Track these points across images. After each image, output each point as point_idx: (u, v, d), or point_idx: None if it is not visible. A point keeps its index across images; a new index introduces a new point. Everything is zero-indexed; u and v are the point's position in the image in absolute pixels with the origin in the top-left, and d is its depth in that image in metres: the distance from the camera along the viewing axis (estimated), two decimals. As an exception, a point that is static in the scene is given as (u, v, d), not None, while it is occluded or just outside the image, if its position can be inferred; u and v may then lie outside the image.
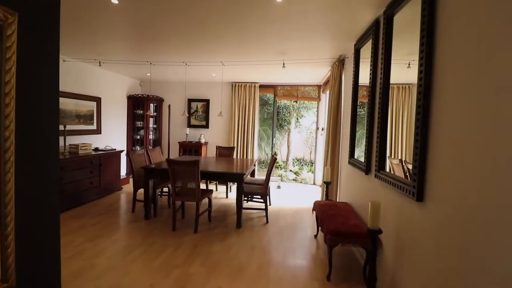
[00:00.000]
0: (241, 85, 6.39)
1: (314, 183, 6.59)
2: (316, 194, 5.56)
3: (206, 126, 6.68)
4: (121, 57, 4.34)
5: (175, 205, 3.45)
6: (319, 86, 6.39)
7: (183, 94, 6.76)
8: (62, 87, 4.34)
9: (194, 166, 3.26)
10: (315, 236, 3.37)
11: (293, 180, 7.70)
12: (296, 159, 9.62)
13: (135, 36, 3.40)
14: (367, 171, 2.55)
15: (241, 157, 6.43)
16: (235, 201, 3.66)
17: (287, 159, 9.13)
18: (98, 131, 5.31)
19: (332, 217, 2.60)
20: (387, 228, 1.94)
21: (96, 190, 4.61)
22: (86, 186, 4.38)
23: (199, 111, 6.72)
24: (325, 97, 6.25)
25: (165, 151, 6.69)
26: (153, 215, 3.90)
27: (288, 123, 9.34)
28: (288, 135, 9.33)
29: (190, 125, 6.73)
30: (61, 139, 4.30)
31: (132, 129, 6.41)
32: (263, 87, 6.49)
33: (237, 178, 3.59)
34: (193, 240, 3.17)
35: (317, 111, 6.57)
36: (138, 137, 6.45)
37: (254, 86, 6.35)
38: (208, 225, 3.68)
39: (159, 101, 6.68)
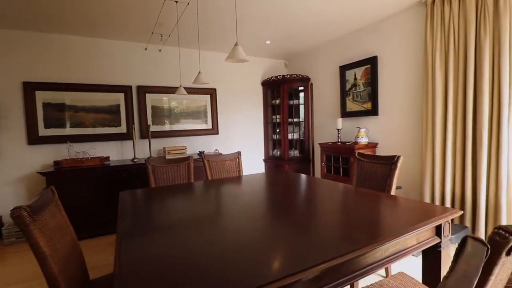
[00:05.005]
0: (451, -6, 2.44)
1: None
2: None
3: (373, 111, 3.37)
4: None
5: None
6: None
7: (331, 61, 3.99)
8: (159, 82, 3.70)
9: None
10: None
11: None
12: None
13: None
14: None
15: (452, 190, 2.49)
16: None
17: None
18: (214, 130, 4.24)
19: None
20: None
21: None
22: (167, 203, 3.39)
23: (359, 85, 3.57)
24: None
25: (316, 160, 4.34)
26: None
27: None
28: None
29: (344, 113, 3.78)
30: (144, 141, 3.66)
31: (269, 127, 4.73)
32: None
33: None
34: None
35: None
36: (276, 137, 4.64)
37: (499, -22, 2.15)
38: None
39: (303, 82, 4.41)
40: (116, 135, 3.54)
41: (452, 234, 1.77)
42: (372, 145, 3.35)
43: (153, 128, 3.76)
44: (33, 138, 3.10)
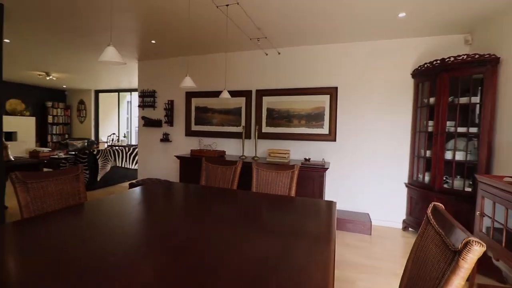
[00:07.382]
0: None
1: None
2: None
3: None
4: None
5: None
6: None
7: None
8: (276, 84, 3.78)
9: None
10: None
11: None
12: None
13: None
14: None
15: None
16: None
17: None
18: (330, 136, 3.56)
19: None
20: None
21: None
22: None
23: None
24: None
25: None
26: None
27: None
28: None
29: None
30: (250, 142, 3.81)
31: (417, 137, 3.17)
32: None
33: None
34: None
35: None
36: (427, 154, 3.02)
37: None
38: None
39: (482, 67, 2.53)
40: (236, 133, 4.04)
41: None
42: None
43: (266, 129, 3.87)
44: (188, 131, 4.33)
